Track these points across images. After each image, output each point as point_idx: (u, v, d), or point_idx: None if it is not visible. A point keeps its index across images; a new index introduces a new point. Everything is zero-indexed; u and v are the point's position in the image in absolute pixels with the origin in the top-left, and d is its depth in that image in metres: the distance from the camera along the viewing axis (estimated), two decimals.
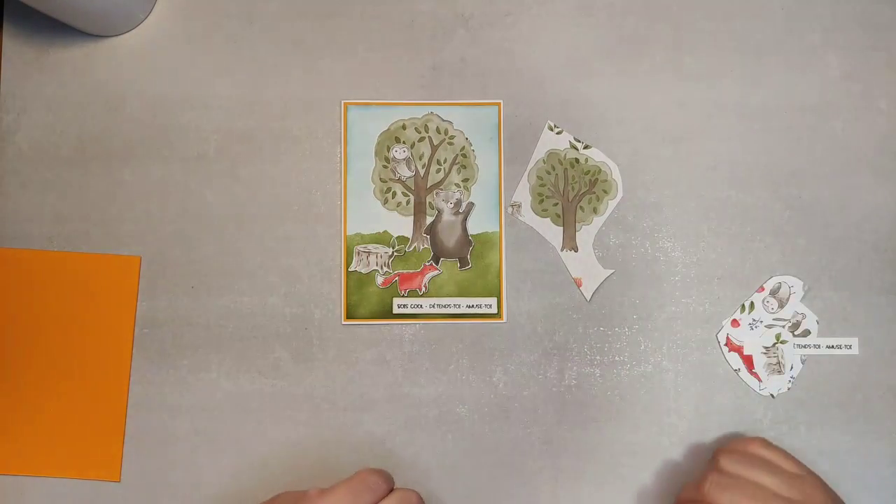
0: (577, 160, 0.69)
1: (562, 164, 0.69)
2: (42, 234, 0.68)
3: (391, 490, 0.54)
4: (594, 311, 0.68)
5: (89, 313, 0.67)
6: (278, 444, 0.67)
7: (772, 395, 0.67)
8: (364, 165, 0.69)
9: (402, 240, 0.68)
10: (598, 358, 0.68)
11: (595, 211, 0.69)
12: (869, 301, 0.68)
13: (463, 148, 0.69)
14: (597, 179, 0.69)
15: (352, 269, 0.68)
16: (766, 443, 0.60)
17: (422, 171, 0.69)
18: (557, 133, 0.69)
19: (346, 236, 0.68)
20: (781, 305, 0.68)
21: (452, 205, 0.69)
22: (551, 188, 0.69)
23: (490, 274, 0.68)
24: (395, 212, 0.69)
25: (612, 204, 0.69)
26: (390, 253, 0.68)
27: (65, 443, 0.66)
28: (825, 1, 0.70)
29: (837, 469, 0.67)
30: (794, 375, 0.68)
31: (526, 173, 0.69)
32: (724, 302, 0.68)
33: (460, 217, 0.69)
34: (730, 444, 0.61)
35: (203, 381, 0.67)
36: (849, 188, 0.69)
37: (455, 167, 0.69)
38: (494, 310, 0.68)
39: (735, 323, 0.68)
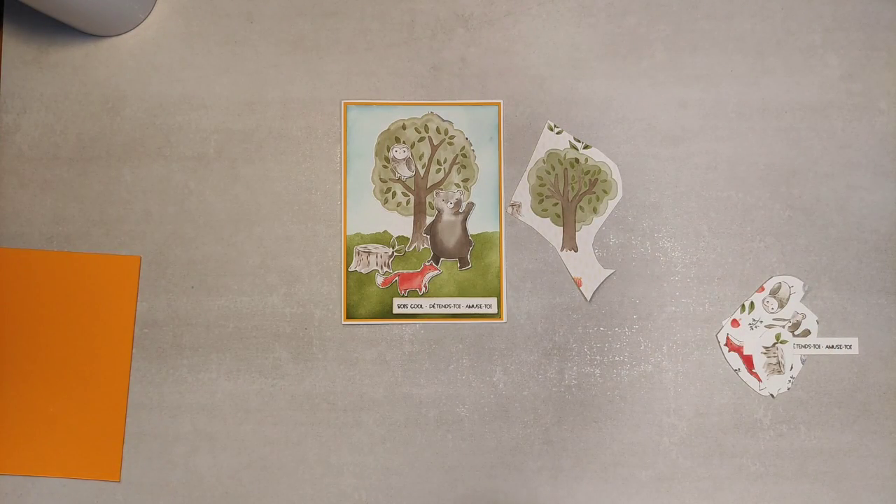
0: (577, 160, 0.69)
1: (562, 164, 0.69)
2: (42, 234, 0.68)
3: None
4: (594, 311, 0.68)
5: (89, 313, 0.67)
6: (278, 444, 0.67)
7: (772, 395, 0.67)
8: (364, 165, 0.69)
9: (402, 240, 0.68)
10: (598, 358, 0.68)
11: (595, 211, 0.69)
12: (869, 301, 0.68)
13: (463, 148, 0.69)
14: (597, 179, 0.69)
15: (352, 269, 0.68)
16: None
17: (422, 171, 0.69)
18: (557, 133, 0.69)
19: (346, 236, 0.68)
20: (781, 305, 0.68)
21: (452, 205, 0.69)
22: (551, 188, 0.69)
23: (490, 274, 0.68)
24: (395, 212, 0.69)
25: (612, 204, 0.69)
26: (390, 253, 0.68)
27: (65, 443, 0.66)
28: (825, 1, 0.70)
29: (837, 469, 0.67)
30: (794, 375, 0.68)
31: (526, 173, 0.69)
32: (724, 302, 0.68)
33: (460, 217, 0.69)
34: None
35: (203, 381, 0.67)
36: (849, 188, 0.69)
37: (455, 167, 0.69)
38: (494, 310, 0.68)
39: (735, 323, 0.68)
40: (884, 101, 0.70)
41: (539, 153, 0.69)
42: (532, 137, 0.69)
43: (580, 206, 0.69)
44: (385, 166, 0.69)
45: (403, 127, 0.69)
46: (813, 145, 0.69)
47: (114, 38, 0.70)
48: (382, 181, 0.69)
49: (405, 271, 0.68)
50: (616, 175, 0.69)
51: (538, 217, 0.69)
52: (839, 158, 0.69)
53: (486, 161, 0.69)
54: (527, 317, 0.68)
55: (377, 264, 0.68)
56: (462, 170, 0.69)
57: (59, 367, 0.67)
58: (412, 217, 0.69)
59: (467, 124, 0.69)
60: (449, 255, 0.68)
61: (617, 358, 0.68)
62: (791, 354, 0.68)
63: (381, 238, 0.68)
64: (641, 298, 0.68)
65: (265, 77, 0.69)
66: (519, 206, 0.69)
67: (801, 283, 0.68)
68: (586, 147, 0.69)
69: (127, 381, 0.67)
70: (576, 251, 0.68)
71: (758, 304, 0.68)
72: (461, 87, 0.69)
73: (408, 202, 0.69)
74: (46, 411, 0.66)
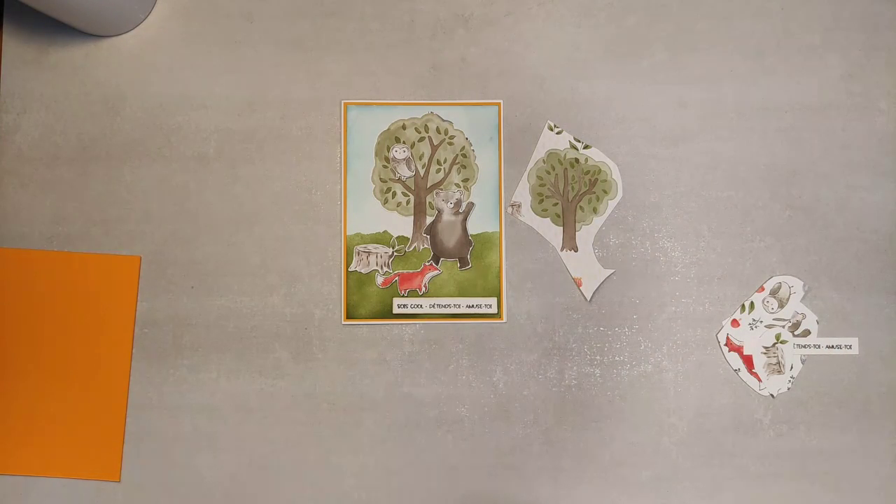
0: (577, 160, 0.69)
1: (562, 164, 0.69)
2: (42, 234, 0.68)
3: None
4: (594, 311, 0.68)
5: (89, 313, 0.67)
6: (278, 444, 0.67)
7: (772, 395, 0.68)
8: (364, 165, 0.69)
9: (402, 240, 0.68)
10: (598, 358, 0.68)
11: (595, 211, 0.69)
12: (869, 301, 0.68)
13: (463, 148, 0.69)
14: (597, 179, 0.69)
15: (352, 269, 0.68)
16: None
17: (422, 171, 0.69)
18: (557, 133, 0.69)
19: (346, 236, 0.68)
20: (781, 305, 0.68)
21: (452, 205, 0.69)
22: (551, 188, 0.69)
23: (490, 274, 0.68)
24: (395, 212, 0.69)
25: (612, 204, 0.69)
26: (390, 253, 0.68)
27: (65, 443, 0.66)
28: (825, 1, 0.70)
29: (837, 469, 0.67)
30: (794, 375, 0.68)
31: (526, 173, 0.69)
32: (724, 302, 0.68)
33: (460, 217, 0.69)
34: None
35: (203, 381, 0.67)
36: (849, 188, 0.69)
37: (455, 167, 0.69)
38: (494, 310, 0.68)
39: (735, 323, 0.68)
40: (884, 101, 0.70)
41: (539, 153, 0.69)
42: (532, 137, 0.69)
43: (580, 206, 0.69)
44: (385, 166, 0.69)
45: (403, 127, 0.69)
46: (813, 145, 0.69)
47: (114, 38, 0.70)
48: (382, 181, 0.69)
49: (405, 271, 0.68)
50: (616, 175, 0.69)
51: (538, 217, 0.69)
52: (839, 158, 0.69)
53: (486, 161, 0.69)
54: (527, 317, 0.68)
55: (377, 264, 0.68)
56: (462, 170, 0.69)
57: (59, 367, 0.67)
58: (412, 217, 0.69)
59: (467, 124, 0.69)
60: (449, 255, 0.68)
61: (617, 358, 0.68)
62: (791, 354, 0.68)
63: (381, 238, 0.68)
64: (641, 298, 0.68)
65: (265, 77, 0.69)
66: (519, 206, 0.69)
67: (801, 283, 0.68)
68: (586, 147, 0.69)
69: (127, 381, 0.67)
70: (576, 251, 0.68)
71: (758, 304, 0.68)
72: (461, 87, 0.69)
73: (408, 202, 0.69)
74: (46, 411, 0.66)
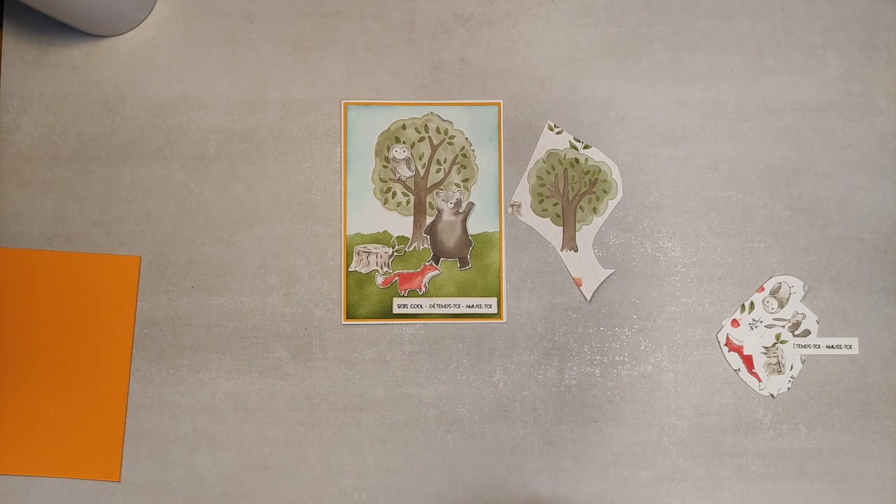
0: (577, 160, 0.69)
1: (562, 164, 0.69)
2: (42, 234, 0.68)
3: None
4: (594, 311, 0.68)
5: (89, 313, 0.67)
6: (278, 444, 0.67)
7: (772, 395, 0.68)
8: (364, 165, 0.69)
9: (402, 240, 0.68)
10: (598, 358, 0.68)
11: (595, 211, 0.69)
12: (869, 301, 0.68)
13: (463, 148, 0.69)
14: (597, 179, 0.69)
15: (352, 269, 0.68)
16: None
17: (422, 171, 0.69)
18: (557, 133, 0.69)
19: (346, 236, 0.68)
20: (781, 305, 0.68)
21: (452, 205, 0.69)
22: (551, 188, 0.69)
23: (490, 274, 0.68)
24: (395, 212, 0.69)
25: (612, 204, 0.69)
26: (390, 253, 0.68)
27: (65, 443, 0.66)
28: (825, 1, 0.70)
29: (837, 469, 0.67)
30: (794, 375, 0.68)
31: (526, 173, 0.69)
32: (724, 302, 0.68)
33: (460, 217, 0.69)
34: None
35: (203, 381, 0.67)
36: (849, 188, 0.69)
37: (455, 167, 0.69)
38: (494, 310, 0.68)
39: (735, 323, 0.68)
40: (884, 101, 0.70)
41: (539, 153, 0.69)
42: (532, 137, 0.69)
43: (580, 206, 0.69)
44: (385, 166, 0.69)
45: (403, 127, 0.69)
46: (813, 145, 0.69)
47: (114, 38, 0.70)
48: (382, 181, 0.69)
49: (405, 271, 0.68)
50: (616, 175, 0.69)
51: (538, 217, 0.69)
52: (839, 158, 0.69)
53: (486, 161, 0.69)
54: (527, 317, 0.68)
55: (377, 264, 0.68)
56: (462, 170, 0.69)
57: (59, 367, 0.67)
58: (412, 217, 0.69)
59: (467, 124, 0.69)
60: (449, 255, 0.68)
61: (617, 358, 0.68)
62: (791, 354, 0.68)
63: (381, 238, 0.68)
64: (641, 298, 0.68)
65: (265, 77, 0.69)
66: (519, 206, 0.69)
67: (801, 283, 0.68)
68: (586, 147, 0.69)
69: (127, 381, 0.67)
70: (576, 251, 0.68)
71: (758, 304, 0.68)
72: (461, 87, 0.69)
73: (408, 202, 0.69)
74: (46, 411, 0.66)
